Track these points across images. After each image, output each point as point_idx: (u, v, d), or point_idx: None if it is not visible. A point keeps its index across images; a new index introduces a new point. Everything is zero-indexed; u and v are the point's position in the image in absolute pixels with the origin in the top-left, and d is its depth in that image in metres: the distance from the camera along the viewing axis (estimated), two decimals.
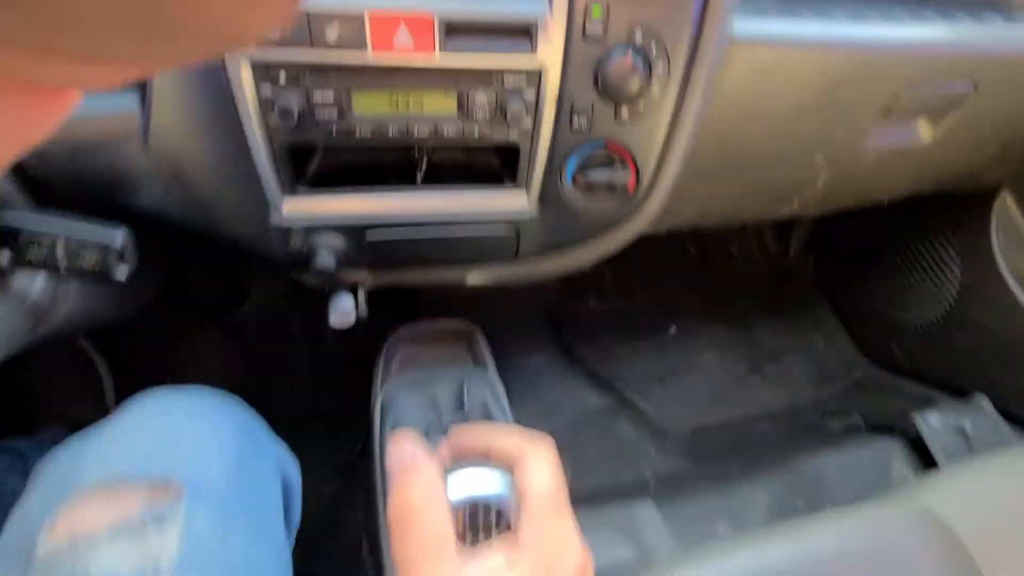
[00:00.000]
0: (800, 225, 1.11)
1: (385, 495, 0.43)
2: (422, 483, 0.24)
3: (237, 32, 0.07)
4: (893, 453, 0.71)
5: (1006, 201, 0.78)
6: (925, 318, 0.88)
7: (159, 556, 0.25)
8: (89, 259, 0.28)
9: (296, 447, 0.42)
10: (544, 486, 0.25)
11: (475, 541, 0.26)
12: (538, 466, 0.26)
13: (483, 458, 0.27)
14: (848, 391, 0.95)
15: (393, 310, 0.81)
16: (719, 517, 0.59)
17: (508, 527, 0.26)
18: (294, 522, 0.37)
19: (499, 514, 0.26)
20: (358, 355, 0.88)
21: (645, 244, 1.20)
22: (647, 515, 0.55)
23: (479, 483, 0.26)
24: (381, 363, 0.59)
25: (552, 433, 0.28)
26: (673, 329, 1.02)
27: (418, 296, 0.84)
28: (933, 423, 0.71)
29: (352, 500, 0.69)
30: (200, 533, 0.27)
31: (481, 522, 0.26)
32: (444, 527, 0.24)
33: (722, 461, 0.76)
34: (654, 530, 0.54)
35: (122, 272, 0.30)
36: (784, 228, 1.14)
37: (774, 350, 1.01)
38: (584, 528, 0.49)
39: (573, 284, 1.03)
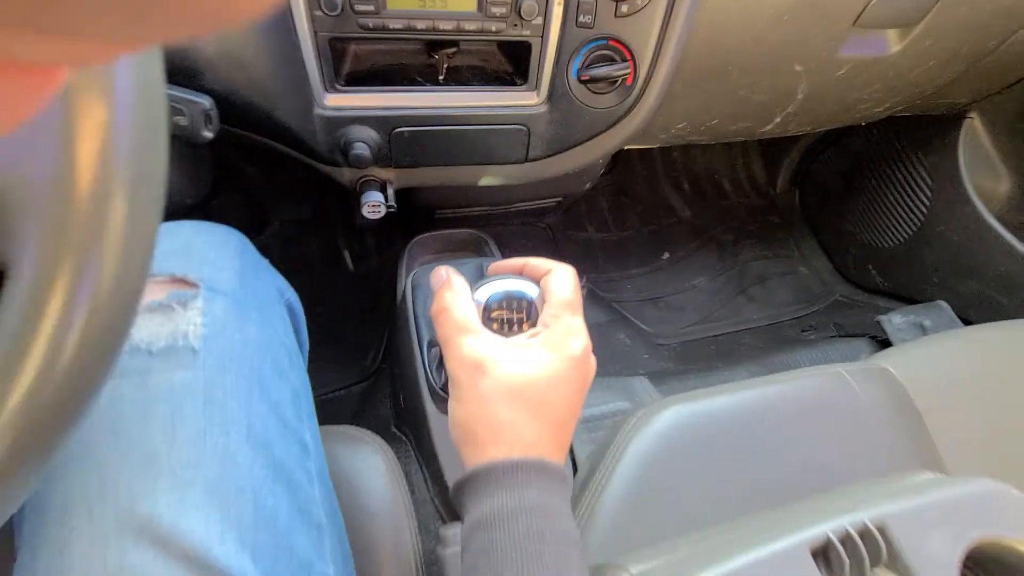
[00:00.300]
0: (787, 159, 1.17)
1: (423, 366, 0.51)
2: (452, 288, 0.32)
3: (230, 12, 0.07)
4: (860, 349, 0.79)
5: (974, 123, 0.85)
6: (898, 238, 0.96)
7: (187, 331, 0.30)
8: (182, 120, 0.33)
9: (321, 357, 0.47)
10: (564, 290, 0.32)
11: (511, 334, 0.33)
12: (561, 276, 0.33)
13: (518, 275, 0.34)
14: (827, 309, 1.04)
15: (408, 236, 0.87)
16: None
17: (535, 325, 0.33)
18: (303, 346, 0.42)
19: (530, 315, 0.33)
20: (374, 278, 0.94)
21: (641, 181, 1.26)
22: (641, 385, 0.63)
23: (508, 285, 0.33)
24: (404, 265, 0.66)
25: None
26: (666, 256, 1.09)
27: (431, 222, 0.90)
28: (896, 321, 0.79)
29: (377, 396, 0.77)
30: (219, 318, 0.32)
31: (515, 320, 0.33)
32: (468, 314, 0.31)
33: (708, 362, 0.85)
34: (647, 393, 0.62)
35: (208, 134, 0.35)
36: (772, 163, 1.20)
37: (760, 275, 1.09)
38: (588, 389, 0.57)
39: (573, 216, 1.09)
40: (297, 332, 0.41)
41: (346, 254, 0.95)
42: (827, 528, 0.31)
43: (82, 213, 0.15)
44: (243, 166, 0.85)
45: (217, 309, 0.32)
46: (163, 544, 0.25)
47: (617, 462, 0.44)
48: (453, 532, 0.38)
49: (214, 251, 0.35)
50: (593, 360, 0.33)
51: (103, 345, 0.17)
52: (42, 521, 0.26)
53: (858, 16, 0.54)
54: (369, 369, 0.86)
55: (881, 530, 0.31)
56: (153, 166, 0.16)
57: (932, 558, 0.31)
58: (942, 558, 0.31)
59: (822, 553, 0.31)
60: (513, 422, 0.28)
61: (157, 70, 0.16)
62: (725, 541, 0.32)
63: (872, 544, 0.31)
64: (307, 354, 0.43)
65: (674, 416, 0.46)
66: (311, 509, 0.31)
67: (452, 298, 0.32)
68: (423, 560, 0.39)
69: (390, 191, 0.55)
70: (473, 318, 0.31)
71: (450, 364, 0.30)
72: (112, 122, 0.15)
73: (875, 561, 0.31)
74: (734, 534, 0.34)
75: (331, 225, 0.95)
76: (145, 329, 0.30)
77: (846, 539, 0.31)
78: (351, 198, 0.77)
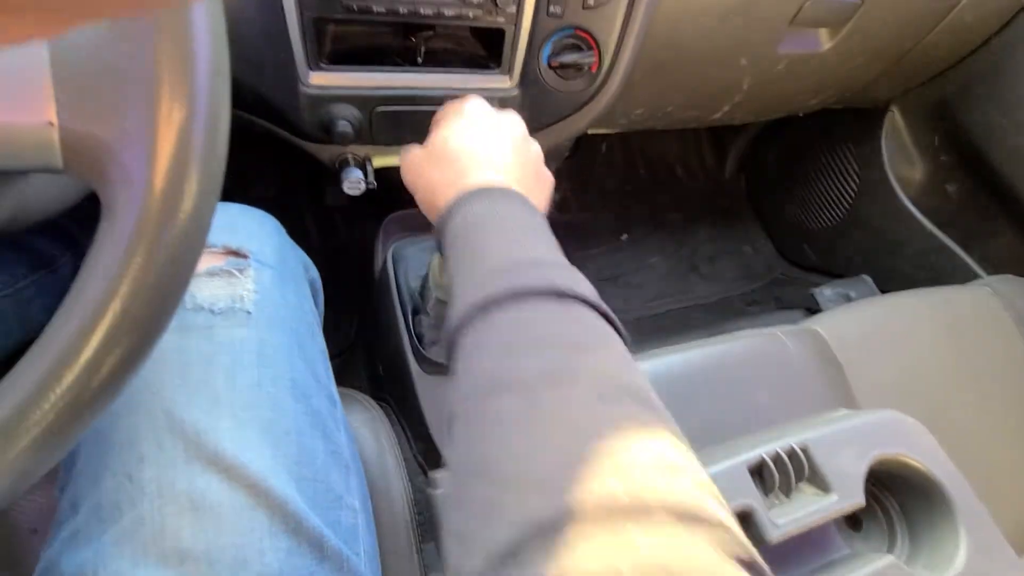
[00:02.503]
0: (734, 148, 1.26)
1: (403, 318, 0.54)
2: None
3: None
4: (796, 317, 0.88)
5: (895, 116, 0.94)
6: (830, 220, 1.06)
7: (243, 294, 0.33)
8: None
9: None
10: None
11: None
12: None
13: None
14: (769, 285, 1.13)
15: (376, 216, 0.89)
16: None
17: None
18: (320, 317, 0.45)
19: None
20: (343, 258, 0.96)
21: (601, 167, 1.32)
22: None
23: None
24: (380, 241, 0.68)
25: None
26: (624, 237, 1.15)
27: (402, 202, 0.92)
28: (827, 293, 0.88)
29: (351, 370, 0.80)
30: (266, 286, 0.35)
31: None
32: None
33: (663, 334, 0.92)
34: None
35: None
36: (721, 151, 1.28)
37: (710, 254, 1.17)
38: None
39: None
40: (317, 305, 0.44)
41: (314, 233, 0.96)
42: (762, 451, 0.37)
43: (163, 189, 0.18)
44: None
45: (265, 278, 0.35)
46: (227, 472, 0.28)
47: None
48: (442, 476, 0.42)
49: (257, 229, 0.38)
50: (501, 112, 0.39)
51: (170, 292, 0.20)
52: (105, 452, 0.28)
53: (794, 16, 0.61)
54: (342, 345, 0.88)
55: (804, 451, 0.38)
56: (218, 138, 0.20)
57: (843, 472, 0.37)
58: (850, 471, 0.37)
59: (757, 471, 0.37)
60: (427, 174, 0.36)
61: (225, 66, 0.19)
62: None
63: (797, 463, 0.37)
64: (322, 325, 0.46)
65: None
66: (340, 452, 0.35)
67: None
68: (413, 500, 0.43)
69: (370, 168, 0.58)
70: None
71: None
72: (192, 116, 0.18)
73: (799, 477, 0.38)
74: None
75: (298, 205, 0.95)
76: (208, 290, 0.33)
77: (776, 459, 0.37)
78: (324, 178, 0.79)
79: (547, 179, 0.40)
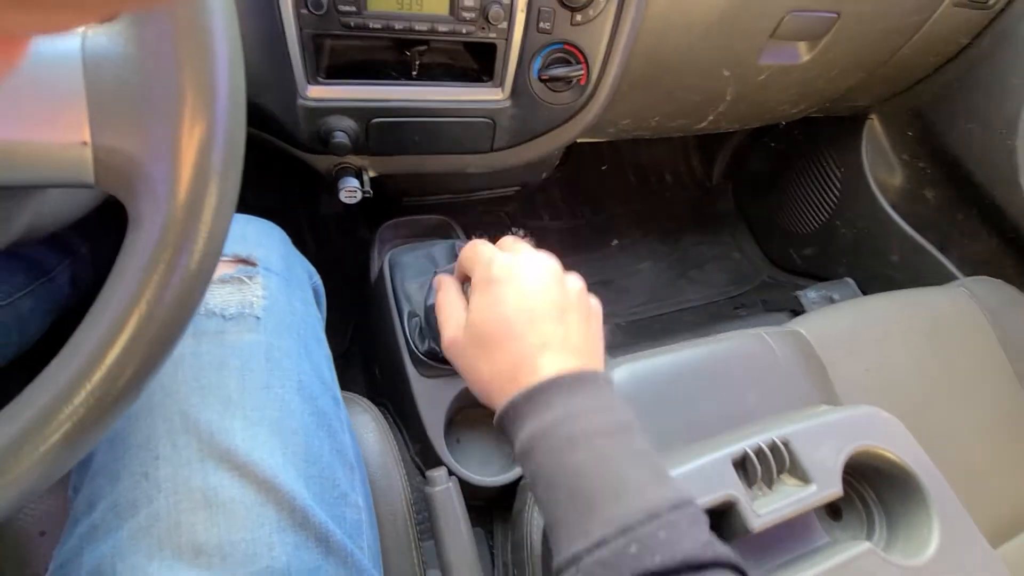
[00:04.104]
0: (721, 155, 1.29)
1: (404, 334, 0.55)
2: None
3: None
4: (781, 320, 0.91)
5: (874, 123, 0.98)
6: (813, 225, 1.09)
7: (252, 300, 0.35)
8: None
9: None
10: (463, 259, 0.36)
11: None
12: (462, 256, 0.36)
13: None
14: (756, 289, 1.16)
15: (371, 223, 0.91)
16: None
17: None
18: (323, 323, 0.47)
19: None
20: (339, 265, 0.97)
21: (592, 173, 1.35)
22: None
23: None
24: (375, 248, 0.70)
25: None
26: (615, 242, 1.18)
27: (397, 209, 0.94)
28: (811, 296, 0.91)
29: (349, 374, 0.81)
30: (274, 292, 0.36)
31: None
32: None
33: (653, 337, 0.94)
34: None
35: None
36: (708, 158, 1.31)
37: (698, 259, 1.20)
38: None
39: (530, 205, 1.16)
40: (320, 311, 0.45)
41: (310, 241, 0.97)
42: (745, 445, 0.39)
43: (185, 202, 0.20)
44: None
45: (272, 284, 0.37)
46: (239, 470, 0.29)
47: None
48: (438, 474, 0.44)
49: (264, 238, 0.39)
50: (542, 268, 0.32)
51: (190, 298, 0.21)
52: (122, 453, 0.29)
53: (774, 30, 0.64)
54: (339, 350, 0.89)
55: (785, 444, 0.40)
56: (236, 155, 0.21)
57: (822, 464, 0.39)
58: (829, 463, 0.39)
59: (741, 464, 0.39)
60: (476, 366, 0.31)
61: (242, 85, 0.21)
62: (666, 462, 0.40)
63: (778, 455, 0.39)
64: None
65: (624, 373, 0.54)
66: (344, 451, 0.36)
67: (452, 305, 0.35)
68: (412, 499, 0.44)
69: (366, 178, 0.59)
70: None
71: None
72: (212, 134, 0.19)
73: (781, 469, 0.39)
74: (673, 457, 0.41)
75: (294, 214, 0.96)
76: (219, 297, 0.34)
77: (759, 452, 0.39)
78: (319, 186, 0.80)
79: (597, 318, 0.33)
